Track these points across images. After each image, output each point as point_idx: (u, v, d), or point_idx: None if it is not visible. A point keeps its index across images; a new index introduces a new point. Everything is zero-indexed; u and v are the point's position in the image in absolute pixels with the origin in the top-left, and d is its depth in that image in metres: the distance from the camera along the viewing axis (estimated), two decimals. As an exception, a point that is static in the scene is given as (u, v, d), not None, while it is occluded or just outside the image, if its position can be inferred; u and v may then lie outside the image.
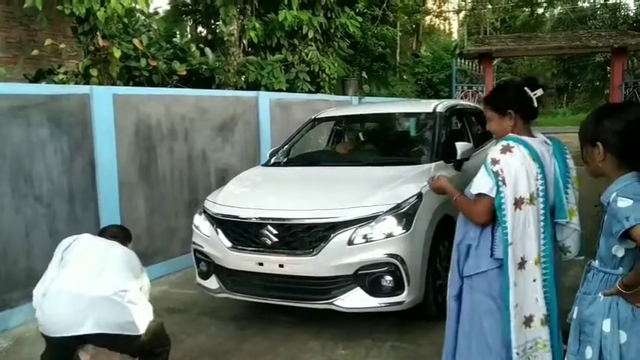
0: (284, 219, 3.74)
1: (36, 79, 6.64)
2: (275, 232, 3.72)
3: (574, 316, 2.02)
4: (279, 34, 9.17)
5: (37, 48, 6.68)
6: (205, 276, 4.19)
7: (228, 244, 3.90)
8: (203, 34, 10.80)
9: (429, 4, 26.71)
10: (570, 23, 29.24)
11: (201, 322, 4.27)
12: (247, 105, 6.67)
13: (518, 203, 2.37)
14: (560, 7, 32.75)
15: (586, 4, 32.29)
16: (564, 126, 21.58)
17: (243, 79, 8.63)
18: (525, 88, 2.53)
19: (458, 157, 4.21)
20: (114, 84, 6.33)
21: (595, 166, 1.93)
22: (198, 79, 8.16)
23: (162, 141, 5.52)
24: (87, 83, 6.01)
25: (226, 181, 4.97)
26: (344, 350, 3.67)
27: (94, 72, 6.16)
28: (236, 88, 8.23)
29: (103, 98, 4.89)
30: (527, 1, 29.99)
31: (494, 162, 2.39)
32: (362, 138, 5.77)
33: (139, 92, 5.62)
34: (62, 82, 6.10)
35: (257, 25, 8.79)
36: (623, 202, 1.75)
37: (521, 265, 2.41)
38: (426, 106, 5.39)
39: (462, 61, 15.74)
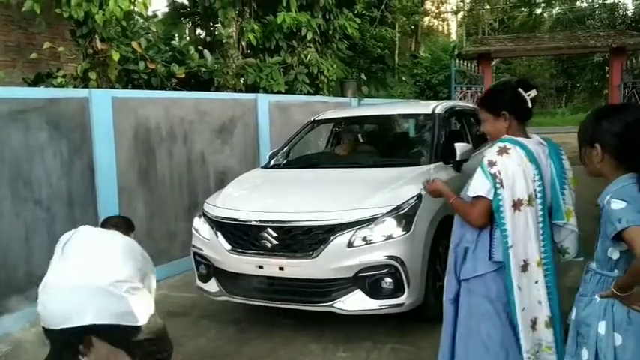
0: (283, 221, 3.74)
1: (35, 83, 6.64)
2: (275, 234, 3.71)
3: (572, 316, 2.02)
4: (278, 36, 9.17)
5: (36, 51, 6.68)
6: (205, 279, 4.18)
7: (228, 246, 3.89)
8: (202, 37, 10.81)
9: (428, 5, 26.74)
10: (569, 23, 29.27)
11: (201, 325, 4.27)
12: (246, 107, 6.67)
13: (517, 205, 2.36)
14: (558, 8, 32.79)
15: (584, 4, 32.34)
16: (565, 126, 21.58)
17: (241, 81, 8.63)
18: (519, 89, 2.53)
19: (457, 158, 4.20)
20: (113, 87, 6.33)
21: (593, 167, 1.93)
22: (197, 81, 8.15)
23: (162, 144, 5.52)
24: (86, 86, 6.01)
25: (225, 183, 4.97)
26: (344, 353, 3.66)
27: (92, 75, 6.15)
28: (235, 91, 8.23)
29: (101, 101, 4.88)
30: (525, 2, 30.03)
31: (491, 164, 2.37)
32: (361, 140, 5.76)
33: (138, 95, 5.62)
34: (61, 85, 6.10)
35: (255, 28, 8.79)
36: (617, 205, 1.76)
37: (524, 267, 2.40)
38: (425, 107, 5.38)
39: (461, 61, 15.76)
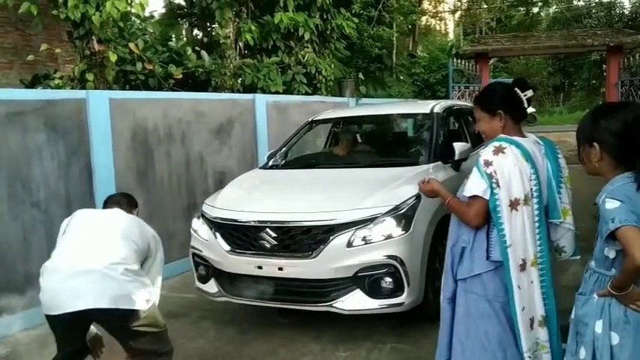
0: (282, 222, 3.73)
1: (32, 84, 6.63)
2: (274, 235, 3.71)
3: (572, 315, 2.02)
4: (275, 36, 9.16)
5: (33, 53, 6.68)
6: (204, 280, 4.17)
7: (227, 247, 3.89)
8: (199, 37, 10.78)
9: (425, 5, 26.72)
10: (566, 22, 29.28)
11: (200, 326, 4.26)
12: (244, 108, 6.66)
13: (513, 205, 2.35)
14: (555, 6, 32.80)
15: (581, 3, 32.34)
16: (564, 124, 21.60)
17: (239, 81, 8.63)
18: (516, 89, 2.52)
19: (456, 158, 4.20)
20: (110, 88, 6.32)
21: (592, 166, 1.92)
22: (194, 82, 8.14)
23: (160, 145, 5.51)
24: (83, 88, 6.00)
25: (224, 184, 4.96)
26: (344, 352, 3.66)
27: (90, 76, 6.14)
28: (232, 91, 8.22)
29: (99, 103, 4.87)
30: (522, 1, 30.05)
31: (487, 164, 2.36)
32: (360, 139, 5.76)
33: (136, 96, 5.61)
34: (58, 86, 6.09)
35: (253, 28, 8.78)
36: (611, 204, 1.75)
37: (523, 267, 2.39)
38: (423, 106, 5.38)
39: (459, 61, 15.75)
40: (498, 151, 2.38)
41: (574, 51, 20.93)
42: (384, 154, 5.13)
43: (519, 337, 2.39)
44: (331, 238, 3.56)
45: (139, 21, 7.57)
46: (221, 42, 8.59)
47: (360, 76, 13.38)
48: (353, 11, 11.44)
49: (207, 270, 4.12)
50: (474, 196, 2.40)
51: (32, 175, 4.35)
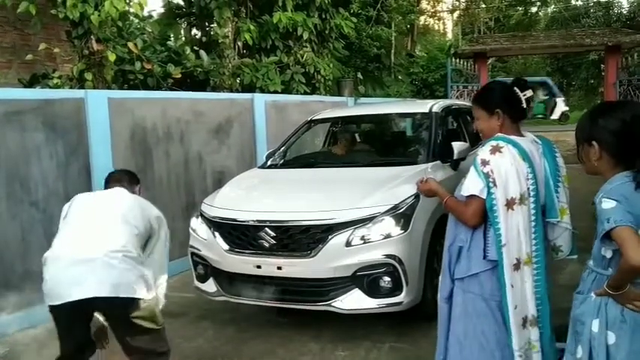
0: (281, 221, 3.73)
1: (30, 84, 6.62)
2: (272, 234, 3.71)
3: (571, 314, 2.03)
4: (274, 35, 9.16)
5: (32, 52, 6.66)
6: (203, 279, 4.18)
7: (226, 246, 3.89)
8: (197, 37, 10.77)
9: (424, 4, 26.74)
10: (564, 22, 29.33)
11: (199, 326, 4.26)
12: (243, 107, 6.66)
13: (510, 204, 2.34)
14: (553, 6, 32.84)
15: (579, 3, 32.38)
16: (562, 124, 21.60)
17: (238, 81, 8.62)
18: (515, 88, 2.52)
19: (454, 157, 4.21)
20: (109, 88, 6.31)
21: (591, 165, 1.93)
22: (193, 81, 8.13)
23: (158, 144, 5.51)
24: (82, 87, 5.99)
25: (223, 183, 4.96)
26: (343, 352, 3.66)
27: (88, 76, 6.13)
28: (231, 91, 8.22)
29: (98, 102, 4.87)
30: (520, 0, 30.07)
31: (484, 163, 2.35)
32: (358, 139, 5.77)
33: (134, 96, 5.61)
34: (57, 86, 6.08)
35: (252, 27, 8.78)
36: (607, 204, 1.75)
37: (517, 266, 2.39)
38: (421, 106, 5.39)
39: (457, 60, 15.79)
40: (495, 150, 2.37)
41: (572, 50, 21.01)
42: (383, 153, 5.14)
43: (511, 335, 2.39)
44: (330, 237, 3.56)
45: (137, 20, 7.56)
46: (220, 41, 8.59)
47: (359, 75, 13.37)
48: (351, 11, 11.45)
49: (206, 269, 4.12)
50: (472, 196, 2.39)
51: (31, 175, 4.34)
